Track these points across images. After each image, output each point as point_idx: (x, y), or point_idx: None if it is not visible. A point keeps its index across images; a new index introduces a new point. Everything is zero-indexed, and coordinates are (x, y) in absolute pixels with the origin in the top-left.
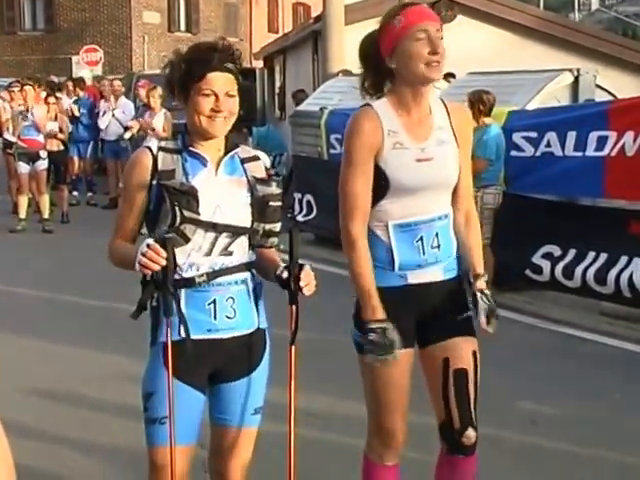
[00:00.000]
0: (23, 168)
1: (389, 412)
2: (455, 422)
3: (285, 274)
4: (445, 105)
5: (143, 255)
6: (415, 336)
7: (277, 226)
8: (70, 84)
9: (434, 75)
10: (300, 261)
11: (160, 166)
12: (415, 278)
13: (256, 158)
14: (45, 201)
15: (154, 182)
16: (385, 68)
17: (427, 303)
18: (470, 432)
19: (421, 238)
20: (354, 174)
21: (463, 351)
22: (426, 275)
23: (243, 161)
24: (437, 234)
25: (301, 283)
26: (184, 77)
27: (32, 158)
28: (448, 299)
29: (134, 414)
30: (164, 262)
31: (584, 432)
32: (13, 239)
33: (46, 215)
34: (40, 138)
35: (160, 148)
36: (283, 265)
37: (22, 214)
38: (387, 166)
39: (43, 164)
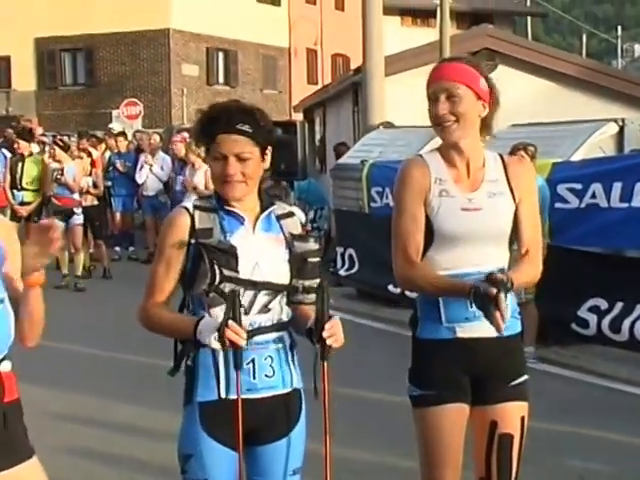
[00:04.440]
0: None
1: (438, 467)
2: None
3: (313, 326)
4: (502, 159)
5: (222, 335)
6: (469, 392)
7: (316, 282)
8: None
9: (445, 137)
10: (331, 313)
11: (197, 224)
12: (464, 332)
13: (291, 214)
14: (79, 259)
15: (192, 241)
16: None
17: (479, 359)
18: None
19: None
20: (404, 221)
21: (512, 416)
22: (476, 329)
23: (279, 218)
24: None
25: (324, 333)
26: (200, 137)
27: (67, 215)
28: (503, 359)
29: (173, 473)
30: (244, 342)
31: None
32: (56, 294)
33: (78, 272)
34: (75, 196)
35: (196, 207)
36: (313, 318)
37: (64, 270)
38: (432, 213)
39: (78, 219)
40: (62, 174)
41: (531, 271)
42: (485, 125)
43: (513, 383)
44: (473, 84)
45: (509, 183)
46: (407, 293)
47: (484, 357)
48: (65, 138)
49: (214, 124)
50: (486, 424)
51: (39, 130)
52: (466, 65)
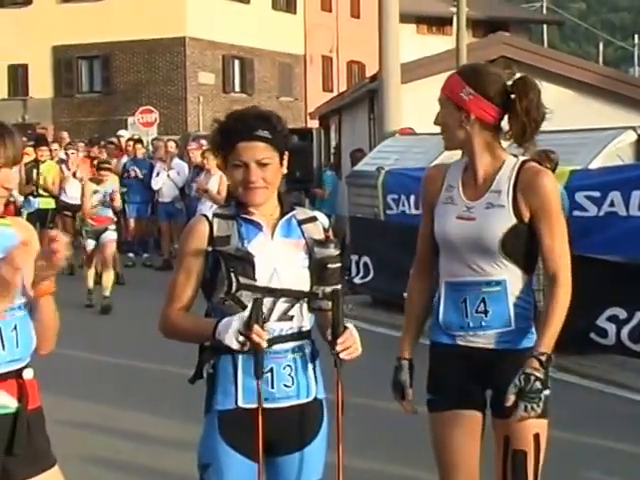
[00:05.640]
0: (90, 245)
1: (449, 472)
2: None
3: (329, 337)
4: (519, 170)
5: (245, 337)
6: (483, 402)
7: (337, 288)
8: (130, 144)
9: (444, 144)
10: (347, 324)
11: (216, 232)
12: (462, 340)
13: (314, 219)
14: (109, 278)
15: (210, 249)
16: None
17: (484, 369)
18: None
19: (465, 300)
20: (420, 229)
21: (523, 432)
22: (473, 340)
23: (300, 223)
24: (484, 299)
25: (337, 348)
26: (219, 147)
27: (100, 234)
28: (513, 373)
29: None
30: (265, 344)
31: None
32: (68, 300)
33: (107, 293)
34: (110, 213)
35: (215, 215)
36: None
37: (90, 284)
38: (436, 219)
39: (112, 234)
40: (110, 196)
41: (557, 312)
42: (498, 132)
43: None
44: (451, 94)
45: (515, 196)
46: None
47: (490, 368)
48: (104, 156)
49: (233, 133)
50: (500, 438)
51: (64, 134)
52: (457, 74)
